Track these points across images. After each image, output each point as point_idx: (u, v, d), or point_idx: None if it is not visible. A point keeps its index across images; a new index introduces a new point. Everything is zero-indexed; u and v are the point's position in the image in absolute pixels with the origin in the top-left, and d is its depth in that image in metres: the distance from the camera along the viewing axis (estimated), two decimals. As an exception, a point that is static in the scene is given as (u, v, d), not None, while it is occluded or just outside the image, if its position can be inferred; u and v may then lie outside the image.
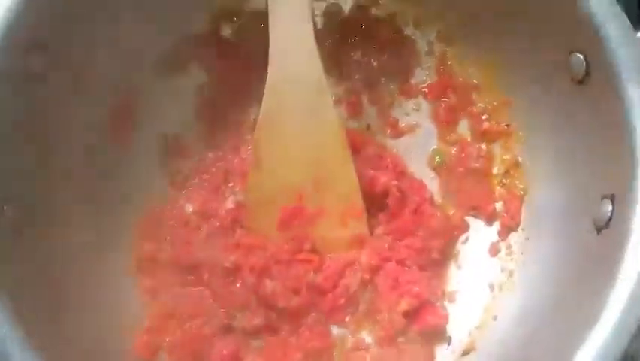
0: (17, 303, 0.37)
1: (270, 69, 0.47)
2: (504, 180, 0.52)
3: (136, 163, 0.51)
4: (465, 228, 0.52)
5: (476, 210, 0.53)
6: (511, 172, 0.52)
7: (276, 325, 0.49)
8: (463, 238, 0.52)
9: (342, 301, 0.50)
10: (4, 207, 0.40)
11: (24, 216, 0.41)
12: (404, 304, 0.49)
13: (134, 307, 0.49)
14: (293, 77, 0.47)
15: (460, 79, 0.54)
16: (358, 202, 0.50)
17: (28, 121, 0.43)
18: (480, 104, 0.53)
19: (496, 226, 0.52)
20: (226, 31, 0.54)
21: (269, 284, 0.49)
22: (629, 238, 0.39)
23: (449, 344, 0.49)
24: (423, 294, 0.49)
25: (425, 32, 0.55)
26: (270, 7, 0.46)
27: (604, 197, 0.42)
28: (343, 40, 0.56)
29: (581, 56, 0.44)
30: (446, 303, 0.51)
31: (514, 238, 0.51)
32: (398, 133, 0.55)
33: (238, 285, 0.49)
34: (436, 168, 0.54)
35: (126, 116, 0.51)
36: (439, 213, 0.52)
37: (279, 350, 0.48)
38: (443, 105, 0.55)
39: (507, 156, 0.52)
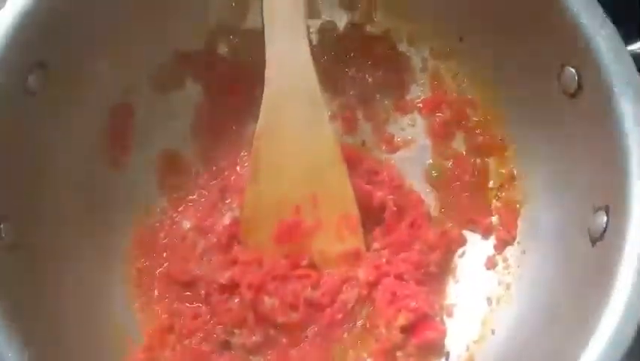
0: (14, 319, 0.38)
1: (266, 84, 0.47)
2: (499, 194, 0.52)
3: (133, 179, 0.51)
4: (462, 242, 0.52)
5: (473, 224, 0.53)
6: (507, 186, 0.52)
7: (274, 341, 0.49)
8: (459, 251, 0.52)
9: (340, 316, 0.50)
10: (1, 225, 0.40)
11: (20, 233, 0.41)
12: (402, 319, 0.49)
13: (131, 322, 0.48)
14: (289, 91, 0.47)
15: (454, 94, 0.55)
16: (354, 214, 0.50)
17: (26, 137, 0.43)
18: (474, 119, 0.54)
19: (493, 239, 0.52)
20: (223, 49, 0.55)
21: (267, 301, 0.49)
22: (623, 249, 0.39)
23: (447, 359, 0.49)
24: (420, 308, 0.49)
25: (419, 49, 0.56)
26: (265, 24, 0.47)
27: (598, 209, 0.42)
28: (338, 57, 0.56)
29: (573, 70, 0.44)
30: (444, 317, 0.51)
31: (510, 251, 0.51)
32: (394, 148, 0.55)
33: (236, 301, 0.49)
34: (432, 183, 0.54)
35: (123, 133, 0.51)
36: (435, 228, 0.52)
37: None
38: (438, 120, 0.55)
39: (502, 170, 0.53)
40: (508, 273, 0.50)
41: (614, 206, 0.41)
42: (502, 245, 0.51)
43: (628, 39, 0.44)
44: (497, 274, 0.51)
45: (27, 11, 0.42)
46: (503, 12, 0.48)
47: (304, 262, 0.50)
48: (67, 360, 0.41)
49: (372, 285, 0.50)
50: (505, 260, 0.51)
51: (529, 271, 0.49)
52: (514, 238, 0.51)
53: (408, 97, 0.56)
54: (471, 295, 0.51)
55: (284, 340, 0.49)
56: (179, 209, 0.53)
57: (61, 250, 0.45)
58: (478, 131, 0.54)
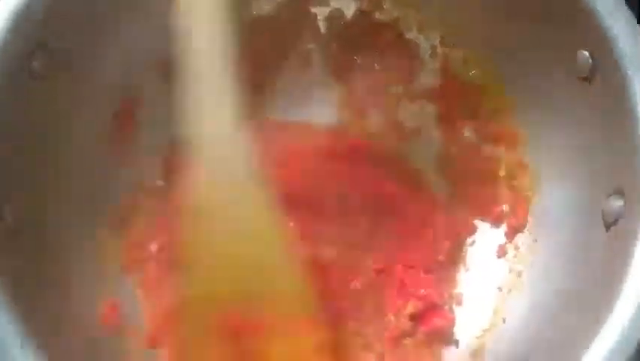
0: (15, 294, 0.37)
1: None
2: (510, 182, 0.52)
3: (137, 166, 0.51)
4: (472, 230, 0.52)
5: (483, 213, 0.52)
6: (518, 173, 0.51)
7: None
8: (469, 240, 0.52)
9: (348, 304, 0.49)
10: (4, 207, 0.39)
11: (23, 216, 0.41)
12: (410, 307, 0.49)
13: (134, 306, 0.48)
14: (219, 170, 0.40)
15: (464, 81, 0.54)
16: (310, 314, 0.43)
17: (32, 120, 0.43)
18: (485, 106, 0.53)
19: (504, 227, 0.51)
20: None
21: None
22: (638, 233, 0.39)
23: (457, 347, 0.49)
24: (429, 296, 0.49)
25: (428, 36, 0.55)
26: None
27: (612, 194, 0.42)
28: (346, 45, 0.56)
29: (587, 53, 0.44)
30: (454, 306, 0.50)
31: (521, 239, 0.50)
32: (403, 137, 0.55)
33: None
34: (442, 171, 0.54)
35: (129, 119, 0.50)
36: (445, 216, 0.51)
37: None
38: (448, 108, 0.55)
39: (513, 158, 0.52)
40: (519, 261, 0.50)
41: (629, 190, 0.40)
42: (512, 233, 0.51)
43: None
44: (508, 262, 0.50)
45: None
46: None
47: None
48: (68, 336, 0.40)
49: (381, 273, 0.50)
50: (516, 248, 0.50)
51: (540, 259, 0.48)
52: (524, 226, 0.50)
53: (417, 84, 0.55)
54: (481, 283, 0.50)
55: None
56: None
57: (64, 235, 0.44)
58: (488, 118, 0.53)
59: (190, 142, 0.40)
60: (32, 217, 0.42)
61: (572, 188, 0.47)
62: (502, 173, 0.52)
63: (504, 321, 0.48)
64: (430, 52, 0.55)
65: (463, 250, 0.52)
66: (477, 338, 0.49)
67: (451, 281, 0.51)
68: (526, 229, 0.50)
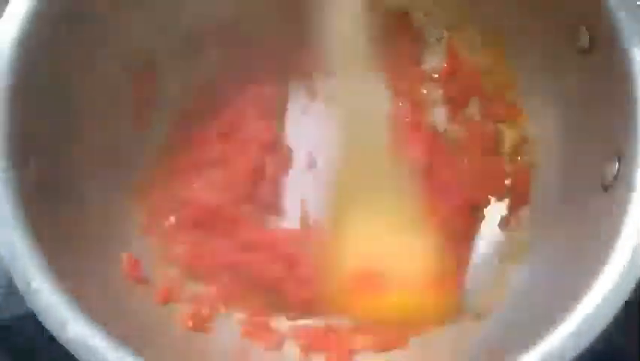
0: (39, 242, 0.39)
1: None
2: (513, 157, 0.54)
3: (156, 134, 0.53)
4: (485, 202, 0.53)
5: (487, 188, 0.54)
6: (520, 148, 0.53)
7: None
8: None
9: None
10: (30, 158, 0.42)
11: (47, 167, 0.43)
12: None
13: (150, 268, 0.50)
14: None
15: (469, 63, 0.56)
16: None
17: (57, 71, 0.45)
18: (488, 86, 0.55)
19: (507, 201, 0.53)
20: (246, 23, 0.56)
21: None
22: (632, 195, 0.41)
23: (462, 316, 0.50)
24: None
25: (433, 21, 0.57)
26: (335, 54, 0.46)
27: (610, 157, 0.43)
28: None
29: (585, 27, 0.46)
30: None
31: (524, 210, 0.52)
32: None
33: None
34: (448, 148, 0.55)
35: (149, 81, 0.52)
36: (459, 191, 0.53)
37: None
38: (453, 89, 0.56)
39: (515, 133, 0.54)
40: (522, 231, 0.51)
41: (627, 152, 0.42)
42: (516, 206, 0.52)
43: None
44: (511, 232, 0.52)
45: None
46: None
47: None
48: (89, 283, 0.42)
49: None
50: (518, 220, 0.52)
51: (543, 228, 0.50)
52: (527, 199, 0.52)
53: (423, 67, 0.57)
54: (485, 253, 0.52)
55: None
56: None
57: (86, 191, 0.47)
58: (491, 97, 0.55)
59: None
60: (56, 171, 0.44)
61: (572, 158, 0.48)
62: (505, 148, 0.54)
63: (507, 289, 0.50)
64: (435, 36, 0.57)
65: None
66: (481, 307, 0.50)
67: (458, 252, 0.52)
68: (528, 200, 0.52)
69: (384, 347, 0.49)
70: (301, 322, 0.50)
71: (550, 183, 0.50)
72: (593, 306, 0.38)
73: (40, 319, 0.37)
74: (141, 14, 0.49)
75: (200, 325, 0.49)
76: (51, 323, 0.37)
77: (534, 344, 0.38)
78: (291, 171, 0.54)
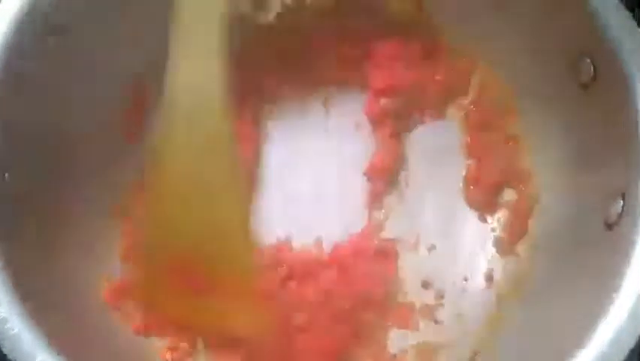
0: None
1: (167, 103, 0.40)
2: (512, 188, 0.52)
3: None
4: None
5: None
6: (520, 181, 0.51)
7: None
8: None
9: None
10: (5, 175, 0.40)
11: (24, 184, 0.42)
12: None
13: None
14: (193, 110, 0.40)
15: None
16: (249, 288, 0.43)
17: (51, 92, 0.44)
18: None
19: (506, 233, 0.51)
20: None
21: None
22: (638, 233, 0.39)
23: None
24: None
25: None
26: (176, 41, 0.40)
27: (613, 196, 0.41)
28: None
29: (588, 59, 0.44)
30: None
31: (522, 244, 0.50)
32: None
33: None
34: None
35: (140, 105, 0.50)
36: None
37: None
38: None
39: (515, 165, 0.52)
40: (520, 267, 0.49)
41: (630, 192, 0.40)
42: (515, 239, 0.50)
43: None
44: (508, 266, 0.50)
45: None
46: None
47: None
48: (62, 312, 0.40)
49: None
50: (516, 254, 0.50)
51: (542, 263, 0.48)
52: (526, 232, 0.50)
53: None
54: (482, 289, 0.50)
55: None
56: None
57: (64, 206, 0.45)
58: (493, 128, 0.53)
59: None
60: (32, 187, 0.42)
61: (574, 193, 0.47)
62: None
63: (503, 325, 0.48)
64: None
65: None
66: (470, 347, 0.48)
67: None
68: (526, 235, 0.50)
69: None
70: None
71: (551, 219, 0.49)
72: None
73: (4, 350, 0.35)
74: (130, 27, 0.48)
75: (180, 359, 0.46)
76: (17, 355, 0.35)
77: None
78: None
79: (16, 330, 0.36)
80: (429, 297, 0.50)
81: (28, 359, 0.35)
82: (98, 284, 0.46)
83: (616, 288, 0.38)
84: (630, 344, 0.36)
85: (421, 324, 0.49)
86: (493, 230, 0.51)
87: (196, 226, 0.41)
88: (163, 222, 0.42)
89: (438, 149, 0.54)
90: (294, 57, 0.54)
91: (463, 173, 0.53)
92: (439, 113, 0.54)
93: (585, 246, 0.43)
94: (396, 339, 0.49)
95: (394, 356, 0.49)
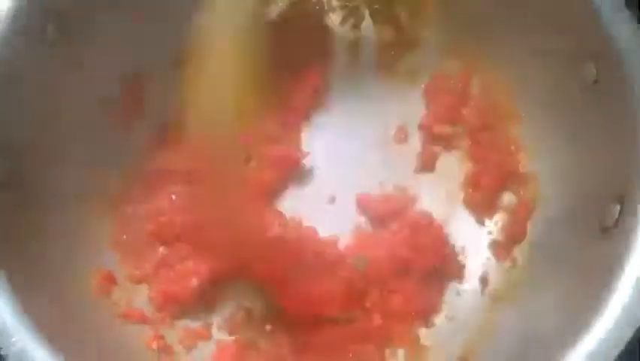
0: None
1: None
2: (511, 191, 0.51)
3: (136, 142, 0.51)
4: None
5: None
6: (519, 184, 0.50)
7: None
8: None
9: None
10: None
11: (15, 173, 0.41)
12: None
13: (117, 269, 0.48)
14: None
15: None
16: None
17: (43, 83, 0.44)
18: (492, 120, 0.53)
19: (503, 236, 0.50)
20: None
21: None
22: (634, 238, 0.38)
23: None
24: None
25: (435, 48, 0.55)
26: None
27: (612, 199, 0.41)
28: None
29: (592, 63, 0.43)
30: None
31: (519, 248, 0.49)
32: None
33: None
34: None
35: (134, 98, 0.51)
36: None
37: None
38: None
39: (515, 169, 0.51)
40: (517, 268, 0.49)
41: (628, 196, 0.40)
42: (511, 243, 0.49)
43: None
44: (505, 267, 0.49)
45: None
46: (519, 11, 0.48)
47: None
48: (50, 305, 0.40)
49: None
50: (513, 258, 0.49)
51: (537, 265, 0.47)
52: (525, 234, 0.49)
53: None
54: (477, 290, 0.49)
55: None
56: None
57: (53, 197, 0.44)
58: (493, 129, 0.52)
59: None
60: (25, 173, 0.42)
61: (573, 196, 0.46)
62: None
63: (495, 329, 0.47)
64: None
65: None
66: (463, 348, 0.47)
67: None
68: (525, 237, 0.49)
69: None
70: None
71: (550, 221, 0.48)
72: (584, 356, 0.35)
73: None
74: (130, 27, 0.48)
75: (165, 347, 0.46)
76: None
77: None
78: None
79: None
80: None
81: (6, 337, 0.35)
82: (87, 273, 0.46)
83: (610, 292, 0.37)
84: (621, 347, 0.35)
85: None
86: (489, 233, 0.51)
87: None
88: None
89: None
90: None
91: (463, 175, 0.52)
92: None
93: (580, 250, 0.43)
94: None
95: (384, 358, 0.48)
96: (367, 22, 0.55)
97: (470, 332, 0.47)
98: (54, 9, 0.43)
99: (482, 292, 0.49)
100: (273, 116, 0.53)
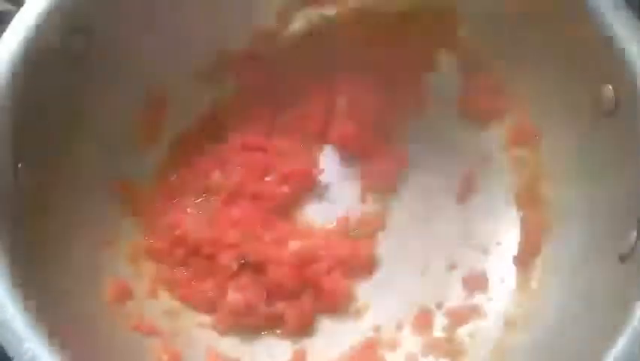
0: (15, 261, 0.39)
1: None
2: (526, 215, 0.51)
3: (159, 155, 0.52)
4: None
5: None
6: (534, 206, 0.50)
7: None
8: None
9: None
10: (19, 165, 0.40)
11: (35, 178, 0.42)
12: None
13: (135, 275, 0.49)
14: None
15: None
16: None
17: (64, 96, 0.44)
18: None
19: (517, 258, 0.50)
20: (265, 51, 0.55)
21: None
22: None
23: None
24: None
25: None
26: None
27: (630, 225, 0.40)
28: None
29: (610, 88, 0.43)
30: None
31: (533, 271, 0.49)
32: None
33: None
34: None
35: (158, 112, 0.52)
36: None
37: None
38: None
39: (531, 193, 0.51)
40: (531, 295, 0.48)
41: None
42: (525, 265, 0.49)
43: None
44: (520, 295, 0.48)
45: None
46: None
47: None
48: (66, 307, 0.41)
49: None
50: (526, 281, 0.49)
51: (551, 290, 0.47)
52: (538, 255, 0.49)
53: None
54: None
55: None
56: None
57: (76, 203, 0.45)
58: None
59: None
60: (45, 180, 0.43)
61: (589, 222, 0.45)
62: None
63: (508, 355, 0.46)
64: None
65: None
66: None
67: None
68: (538, 260, 0.49)
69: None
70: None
71: (564, 245, 0.47)
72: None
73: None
74: (154, 40, 0.49)
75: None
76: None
77: None
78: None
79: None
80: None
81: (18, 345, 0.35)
82: (103, 283, 0.46)
83: (626, 319, 0.37)
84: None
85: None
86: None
87: None
88: None
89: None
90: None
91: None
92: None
93: (596, 276, 0.42)
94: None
95: None
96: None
97: (483, 358, 0.47)
98: (79, 23, 0.44)
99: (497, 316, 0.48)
100: (291, 132, 0.54)
